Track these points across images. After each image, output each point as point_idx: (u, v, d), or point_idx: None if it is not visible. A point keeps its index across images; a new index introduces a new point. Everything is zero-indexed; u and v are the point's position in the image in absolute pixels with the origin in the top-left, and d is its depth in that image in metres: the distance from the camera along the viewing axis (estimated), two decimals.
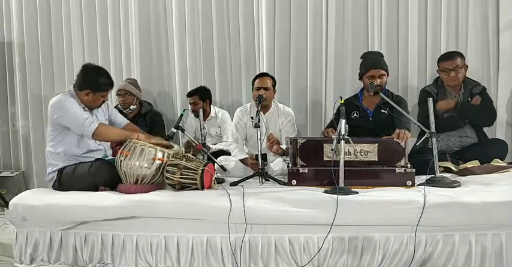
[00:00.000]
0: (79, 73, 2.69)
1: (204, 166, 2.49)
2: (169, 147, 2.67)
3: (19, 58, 4.25)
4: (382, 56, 3.20)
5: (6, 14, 4.25)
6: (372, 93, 2.92)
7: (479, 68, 3.58)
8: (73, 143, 2.64)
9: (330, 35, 3.79)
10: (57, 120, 2.58)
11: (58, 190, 2.64)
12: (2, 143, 4.37)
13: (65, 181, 2.61)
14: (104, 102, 2.73)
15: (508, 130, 3.58)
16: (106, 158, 2.69)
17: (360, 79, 3.19)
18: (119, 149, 2.57)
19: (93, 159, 2.68)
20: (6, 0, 4.23)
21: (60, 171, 2.63)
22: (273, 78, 3.34)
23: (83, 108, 2.64)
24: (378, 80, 3.02)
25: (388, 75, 3.11)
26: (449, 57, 3.21)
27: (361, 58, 3.22)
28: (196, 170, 2.47)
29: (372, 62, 3.10)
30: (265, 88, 3.22)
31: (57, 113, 2.57)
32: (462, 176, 2.78)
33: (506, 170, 2.81)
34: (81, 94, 2.64)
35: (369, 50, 3.65)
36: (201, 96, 3.74)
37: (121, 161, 2.50)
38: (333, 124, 2.94)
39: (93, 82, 2.63)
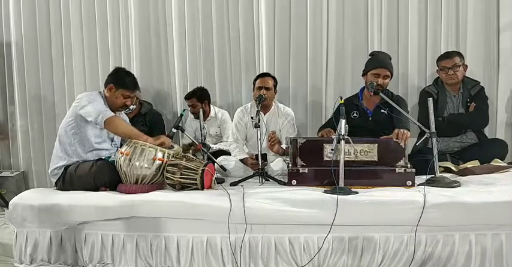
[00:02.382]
0: (110, 73, 2.87)
1: (204, 166, 2.49)
2: (169, 147, 2.67)
3: (17, 58, 4.24)
4: (391, 59, 3.21)
5: (5, 13, 4.23)
6: (372, 93, 2.92)
7: (479, 68, 3.57)
8: (87, 138, 2.69)
9: (330, 34, 3.79)
10: (81, 110, 2.64)
11: (61, 187, 2.66)
12: (1, 144, 4.37)
13: (67, 179, 2.64)
14: (126, 106, 2.81)
15: (508, 130, 3.58)
16: (109, 159, 2.69)
17: (363, 75, 3.18)
18: None
19: (97, 158, 2.71)
20: (4, 0, 4.23)
21: (66, 169, 2.66)
22: (274, 79, 3.35)
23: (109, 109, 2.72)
24: (381, 80, 3.02)
25: (391, 78, 3.12)
26: (447, 56, 3.24)
27: (370, 55, 3.24)
28: (196, 170, 2.47)
29: (380, 61, 3.12)
30: (267, 88, 3.22)
31: (82, 103, 2.66)
32: (462, 176, 2.78)
33: (506, 170, 2.81)
34: (106, 92, 2.77)
35: (369, 50, 3.66)
36: (198, 98, 3.73)
37: (121, 161, 2.50)
38: (331, 123, 2.94)
39: (118, 77, 2.79)
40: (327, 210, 2.19)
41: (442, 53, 3.37)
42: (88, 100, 2.66)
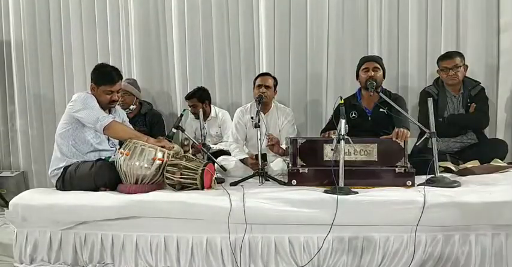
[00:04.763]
0: None
1: (204, 166, 2.49)
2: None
3: (17, 57, 4.24)
4: (381, 59, 3.22)
5: (4, 12, 4.24)
6: (372, 93, 2.92)
7: (479, 68, 3.57)
8: (84, 139, 2.69)
9: (330, 34, 3.79)
10: (75, 113, 2.63)
11: (61, 188, 2.66)
12: (1, 144, 4.37)
13: (67, 180, 2.64)
14: (113, 101, 2.77)
15: (508, 130, 3.57)
16: (109, 160, 2.69)
17: (357, 78, 3.23)
18: None
19: (96, 158, 2.71)
20: None
21: (65, 169, 2.66)
22: (275, 79, 3.36)
23: (101, 108, 2.71)
24: (371, 72, 3.05)
25: (384, 74, 3.13)
26: (448, 56, 3.23)
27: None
28: (196, 170, 2.47)
29: (366, 57, 3.25)
30: (266, 86, 3.24)
31: (77, 106, 2.64)
32: (462, 176, 2.78)
33: (506, 170, 2.81)
34: (92, 91, 2.75)
35: (369, 50, 3.68)
36: (199, 98, 3.73)
37: (121, 161, 2.50)
38: (332, 124, 2.94)
39: (96, 75, 2.76)
40: (327, 210, 2.19)
41: (442, 53, 3.36)
42: (82, 103, 2.63)
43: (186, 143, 3.19)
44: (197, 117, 3.69)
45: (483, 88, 3.26)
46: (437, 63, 3.31)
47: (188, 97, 3.78)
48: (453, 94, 3.28)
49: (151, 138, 2.62)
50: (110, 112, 2.82)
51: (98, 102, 2.72)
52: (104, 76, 2.73)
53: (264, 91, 3.20)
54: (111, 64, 3.98)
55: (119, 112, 2.97)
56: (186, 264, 2.32)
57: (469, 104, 3.23)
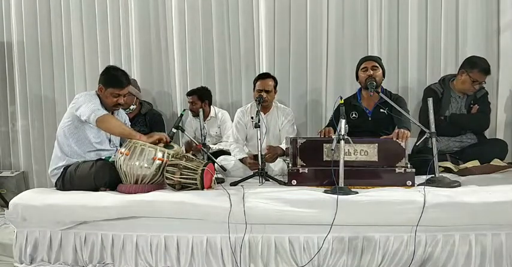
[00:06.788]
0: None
1: (204, 166, 2.49)
2: (169, 147, 2.67)
3: (18, 58, 4.25)
4: (380, 59, 3.22)
5: (6, 13, 4.24)
6: (372, 93, 2.92)
7: None
8: (85, 138, 2.70)
9: (330, 34, 3.79)
10: (76, 111, 2.63)
11: (60, 187, 2.67)
12: (2, 143, 4.37)
13: (67, 179, 2.64)
14: (119, 104, 2.77)
15: (508, 130, 3.58)
16: (109, 159, 2.69)
17: (356, 79, 3.24)
18: None
19: (96, 158, 2.71)
20: (6, 0, 4.24)
21: (65, 168, 2.66)
22: (274, 79, 3.36)
23: (104, 108, 2.71)
24: (370, 71, 3.05)
25: (384, 73, 3.13)
26: (487, 72, 3.11)
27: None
28: (196, 170, 2.47)
29: (365, 57, 3.24)
30: (267, 91, 3.23)
31: (78, 103, 2.65)
32: (462, 176, 2.78)
33: (506, 170, 2.81)
34: (98, 92, 2.76)
35: (369, 50, 3.68)
36: (199, 96, 3.74)
37: (121, 161, 2.50)
38: (332, 124, 2.94)
39: (106, 77, 2.77)
40: (327, 210, 2.19)
41: (481, 63, 3.12)
42: (84, 100, 2.65)
43: (193, 145, 3.21)
44: (195, 115, 3.71)
45: (487, 93, 3.26)
46: (469, 67, 3.13)
47: (189, 93, 3.79)
48: (458, 94, 3.27)
49: (144, 135, 2.62)
50: (112, 114, 2.83)
51: (103, 103, 2.73)
52: (114, 79, 2.74)
53: (265, 96, 3.20)
54: (111, 64, 4.02)
55: (121, 114, 2.99)
56: (186, 264, 2.32)
57: (471, 105, 3.22)
